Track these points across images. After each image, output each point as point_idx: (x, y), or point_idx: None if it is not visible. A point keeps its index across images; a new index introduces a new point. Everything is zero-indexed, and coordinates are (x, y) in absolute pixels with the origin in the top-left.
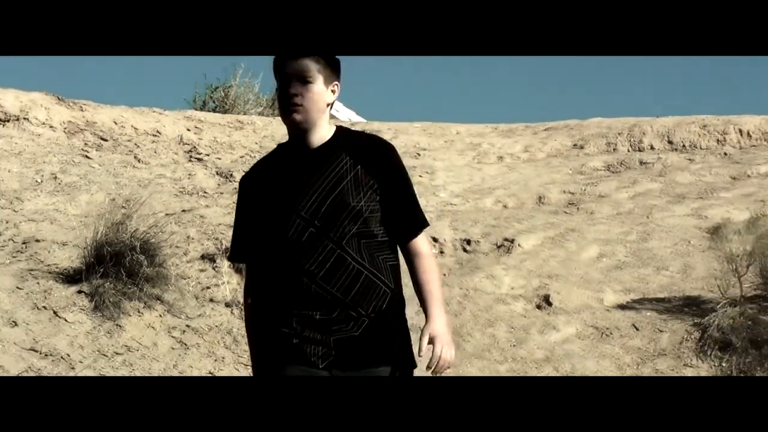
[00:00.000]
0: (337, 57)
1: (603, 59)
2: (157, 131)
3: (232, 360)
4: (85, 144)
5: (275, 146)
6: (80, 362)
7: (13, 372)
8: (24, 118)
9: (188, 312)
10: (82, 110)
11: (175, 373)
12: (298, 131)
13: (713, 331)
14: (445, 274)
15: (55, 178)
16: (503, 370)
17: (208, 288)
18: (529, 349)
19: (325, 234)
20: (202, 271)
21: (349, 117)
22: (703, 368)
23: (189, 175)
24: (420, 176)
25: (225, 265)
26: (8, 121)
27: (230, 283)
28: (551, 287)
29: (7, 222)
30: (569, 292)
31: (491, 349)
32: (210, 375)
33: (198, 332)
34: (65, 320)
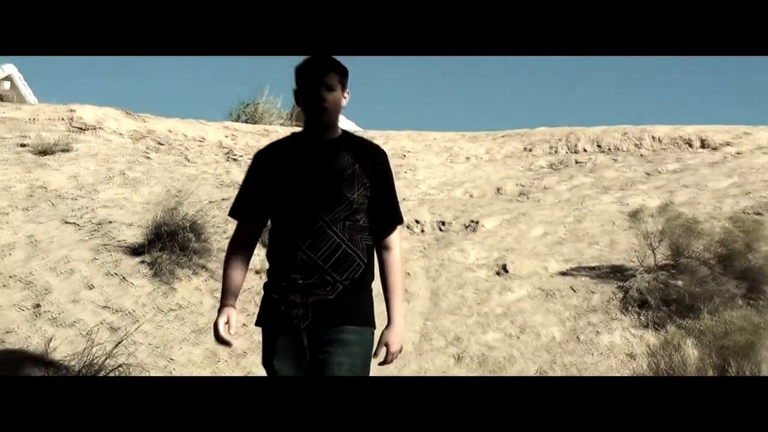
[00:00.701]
0: (347, 69)
1: (548, 81)
2: (202, 138)
3: None
4: (147, 147)
5: (291, 134)
6: (142, 316)
7: (90, 323)
8: (99, 128)
9: None
10: (144, 121)
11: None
12: (320, 128)
13: (633, 292)
14: (425, 248)
15: (123, 174)
16: (471, 323)
17: None
18: (491, 307)
19: (318, 214)
20: None
21: (349, 126)
22: (625, 321)
23: (227, 171)
24: (405, 172)
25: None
26: (87, 129)
27: (259, 255)
28: (508, 258)
29: (86, 208)
30: (522, 262)
31: (461, 306)
32: (244, 325)
33: None
34: (131, 284)
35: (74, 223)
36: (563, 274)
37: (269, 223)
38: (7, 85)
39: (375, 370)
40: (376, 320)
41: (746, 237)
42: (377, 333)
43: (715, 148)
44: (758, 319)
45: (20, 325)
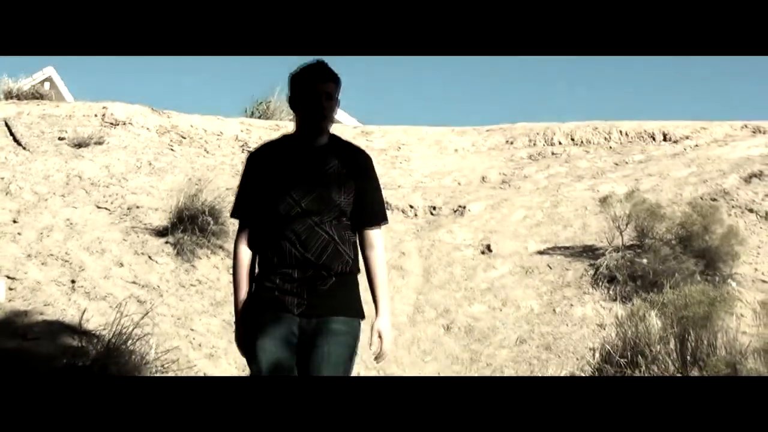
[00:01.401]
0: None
1: (528, 80)
2: (220, 132)
3: None
4: (171, 141)
5: (281, 135)
6: (166, 291)
7: (120, 297)
8: (129, 123)
9: None
10: (168, 117)
11: (232, 298)
12: (317, 133)
13: (603, 269)
14: (418, 230)
15: (150, 164)
16: (459, 297)
17: None
18: (476, 282)
19: (308, 215)
20: None
21: (350, 122)
22: (596, 295)
23: (242, 162)
24: (400, 163)
25: None
26: (118, 124)
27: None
28: (491, 239)
29: (116, 194)
30: (504, 242)
31: (450, 282)
32: None
33: None
34: (156, 262)
35: (106, 208)
36: (541, 253)
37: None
38: (47, 85)
39: (372, 366)
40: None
41: (704, 220)
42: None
43: (676, 141)
44: (715, 293)
45: (58, 298)
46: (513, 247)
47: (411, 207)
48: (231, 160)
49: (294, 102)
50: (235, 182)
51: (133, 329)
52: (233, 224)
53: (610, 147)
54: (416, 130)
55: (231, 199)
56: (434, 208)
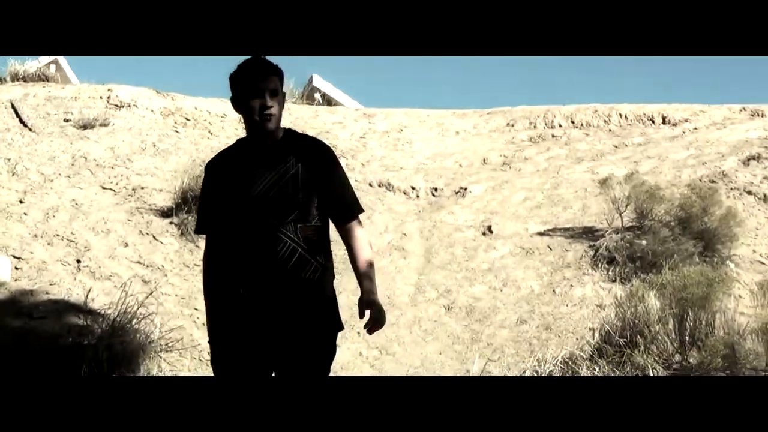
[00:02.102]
0: (282, 69)
1: (528, 64)
2: (224, 114)
3: None
4: (175, 122)
5: (236, 140)
6: (170, 271)
7: (125, 276)
8: (134, 105)
9: None
10: (173, 99)
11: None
12: (266, 135)
13: (603, 251)
14: (420, 211)
15: (154, 145)
16: (460, 277)
17: None
18: (477, 263)
19: (267, 218)
20: None
21: (352, 105)
22: (596, 275)
23: None
24: (402, 145)
25: None
26: (123, 106)
27: None
28: (492, 220)
29: (122, 175)
30: (504, 223)
31: (452, 262)
32: None
33: None
34: (160, 242)
35: (111, 189)
36: (541, 234)
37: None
38: (53, 68)
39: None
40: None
41: (702, 202)
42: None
43: (675, 124)
44: (713, 274)
45: (63, 278)
46: (513, 229)
47: (413, 188)
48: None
49: (238, 104)
50: None
51: (137, 308)
52: None
53: (610, 130)
54: (418, 112)
55: None
56: (436, 189)
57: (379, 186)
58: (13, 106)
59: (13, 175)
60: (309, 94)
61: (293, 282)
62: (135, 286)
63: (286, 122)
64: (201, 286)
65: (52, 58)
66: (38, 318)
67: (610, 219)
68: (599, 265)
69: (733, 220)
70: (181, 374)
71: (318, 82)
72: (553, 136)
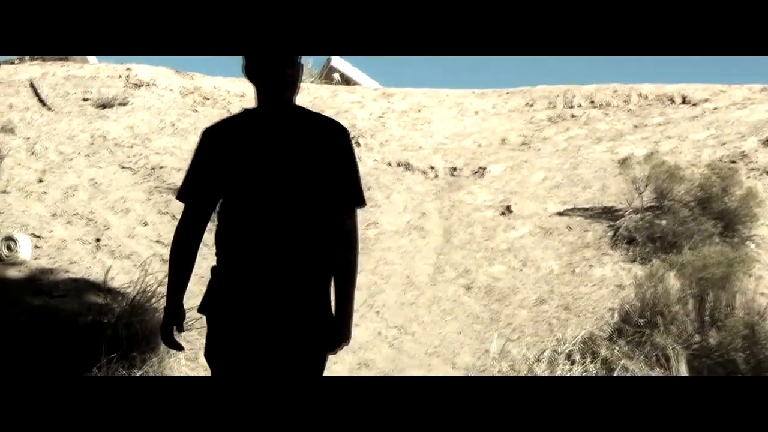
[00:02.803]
0: None
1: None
2: (243, 93)
3: None
4: (194, 102)
5: (242, 110)
6: None
7: (144, 255)
8: (153, 84)
9: None
10: (192, 79)
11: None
12: (281, 104)
13: (622, 231)
14: (439, 191)
15: (173, 125)
16: (479, 257)
17: None
18: (496, 243)
19: (278, 199)
20: None
21: (371, 85)
22: (615, 256)
23: None
24: (421, 125)
25: None
26: (142, 86)
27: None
28: (511, 200)
29: (140, 155)
30: (524, 203)
31: (471, 242)
32: None
33: None
34: None
35: (130, 168)
36: (560, 214)
37: (218, 207)
38: None
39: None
40: None
41: (722, 182)
42: None
43: (694, 104)
44: (733, 254)
45: (83, 257)
46: (533, 209)
47: (431, 168)
48: None
49: (251, 72)
50: None
51: (157, 287)
52: None
53: (630, 110)
54: (437, 92)
55: None
56: (454, 169)
57: (398, 166)
58: (32, 85)
59: (32, 154)
60: (327, 74)
61: (296, 269)
62: (154, 265)
63: (304, 102)
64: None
65: None
66: (58, 297)
67: (630, 199)
68: (619, 246)
69: (753, 200)
70: (200, 353)
71: (336, 62)
72: (572, 116)
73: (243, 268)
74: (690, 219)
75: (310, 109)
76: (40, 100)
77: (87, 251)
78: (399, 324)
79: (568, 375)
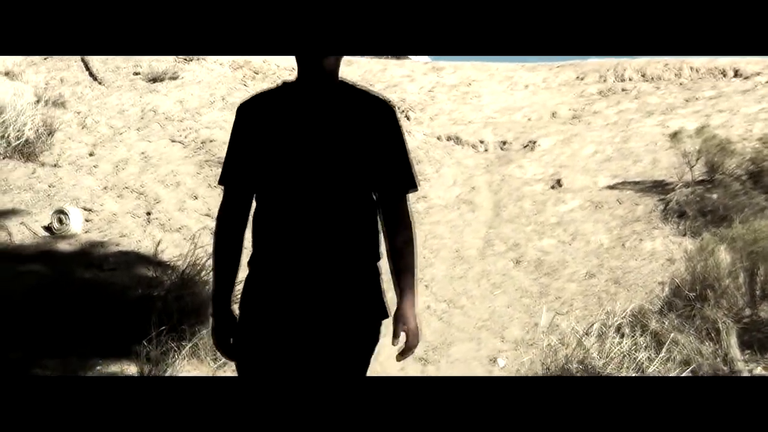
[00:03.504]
0: None
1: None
2: (293, 68)
3: None
4: (244, 76)
5: (281, 83)
6: None
7: (194, 228)
8: (203, 59)
9: None
10: None
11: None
12: (321, 76)
13: (673, 204)
14: (488, 165)
15: (223, 99)
16: (528, 231)
17: None
18: (546, 217)
19: (316, 186)
20: None
21: (420, 59)
22: (666, 229)
23: None
24: (471, 99)
25: None
26: (192, 60)
27: None
28: (561, 174)
29: (191, 129)
30: (574, 177)
31: (520, 216)
32: None
33: None
34: None
35: (180, 142)
36: (611, 188)
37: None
38: None
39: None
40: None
41: None
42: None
43: (747, 77)
44: None
45: (133, 230)
46: (583, 182)
47: (481, 142)
48: None
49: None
50: None
51: (206, 260)
52: None
53: (681, 83)
54: (487, 66)
55: None
56: (504, 143)
57: (448, 140)
58: (83, 60)
59: (83, 128)
60: None
61: (342, 259)
62: (204, 239)
63: (354, 76)
64: None
65: None
66: (108, 270)
67: (681, 173)
68: (669, 219)
69: None
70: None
71: None
72: (623, 89)
73: (280, 260)
74: (741, 192)
75: (357, 84)
76: (91, 75)
77: (137, 224)
78: (448, 298)
79: (617, 348)
